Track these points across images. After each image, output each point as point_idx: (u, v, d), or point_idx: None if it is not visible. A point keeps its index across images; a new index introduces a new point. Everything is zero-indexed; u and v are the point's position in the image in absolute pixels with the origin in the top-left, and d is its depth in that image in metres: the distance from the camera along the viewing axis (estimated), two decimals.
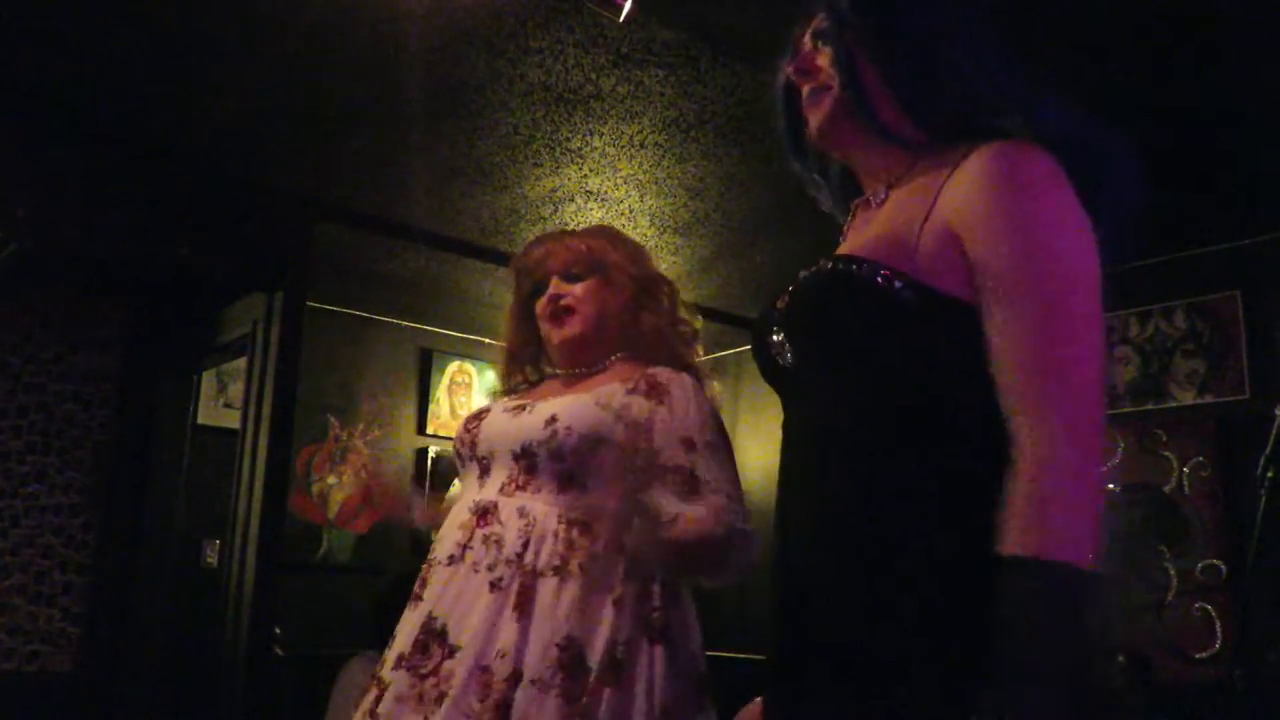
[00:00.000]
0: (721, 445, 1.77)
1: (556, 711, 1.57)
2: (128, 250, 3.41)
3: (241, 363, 3.62)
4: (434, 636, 1.66)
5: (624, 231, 2.10)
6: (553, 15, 2.50)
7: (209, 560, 4.03)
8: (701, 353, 1.97)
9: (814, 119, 1.30)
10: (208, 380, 4.22)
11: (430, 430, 4.61)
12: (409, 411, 4.62)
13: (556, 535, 1.69)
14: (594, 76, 2.77)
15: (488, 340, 4.61)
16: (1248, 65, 2.59)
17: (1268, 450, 2.39)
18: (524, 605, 1.64)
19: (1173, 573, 3.56)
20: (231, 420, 3.81)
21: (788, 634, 1.19)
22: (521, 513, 1.71)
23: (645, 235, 3.82)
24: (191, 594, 3.89)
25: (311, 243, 3.60)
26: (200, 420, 4.12)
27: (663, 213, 3.65)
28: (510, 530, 1.70)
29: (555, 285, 1.89)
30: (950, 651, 1.04)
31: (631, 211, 3.63)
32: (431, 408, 4.63)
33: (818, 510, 1.18)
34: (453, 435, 1.93)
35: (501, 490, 1.76)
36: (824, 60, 1.29)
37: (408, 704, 1.61)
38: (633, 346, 1.89)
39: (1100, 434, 1.04)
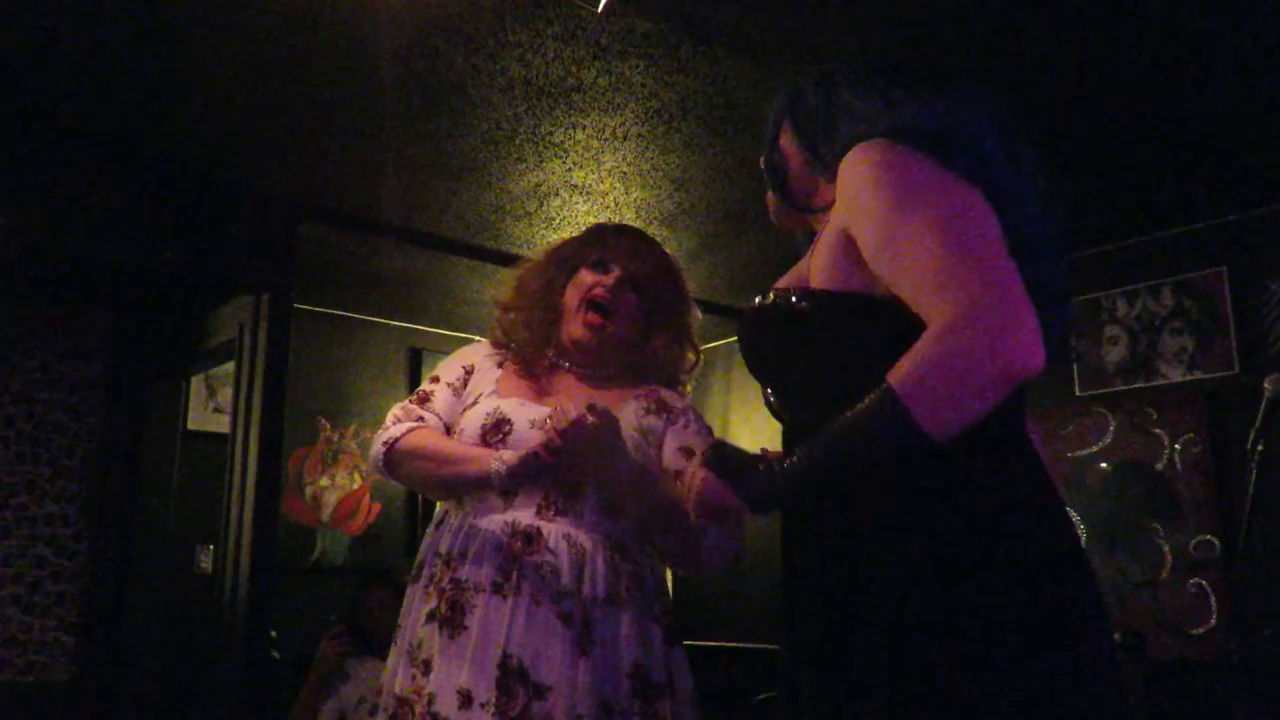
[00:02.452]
0: None
1: None
2: (111, 256, 3.39)
3: (230, 367, 3.61)
4: (514, 676, 1.60)
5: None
6: (531, 8, 2.49)
7: (203, 566, 4.02)
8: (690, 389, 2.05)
9: (770, 210, 1.52)
10: (196, 385, 4.20)
11: None
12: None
13: (605, 562, 1.72)
14: (574, 69, 2.76)
15: (477, 338, 4.59)
16: (1231, 41, 2.59)
17: (1257, 424, 2.40)
18: (590, 638, 1.65)
19: (1166, 549, 3.57)
20: (222, 425, 3.80)
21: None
22: (570, 540, 1.70)
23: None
24: (186, 600, 3.89)
25: (296, 244, 3.58)
26: (190, 426, 4.11)
27: (648, 205, 3.64)
28: (563, 560, 1.68)
29: (617, 280, 1.86)
30: (899, 599, 1.10)
31: (617, 204, 3.62)
32: None
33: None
34: None
35: (539, 514, 1.71)
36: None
37: None
38: (640, 374, 1.94)
39: (1020, 333, 1.04)
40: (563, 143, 3.18)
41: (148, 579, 3.86)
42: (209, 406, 4.22)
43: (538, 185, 3.48)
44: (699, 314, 2.01)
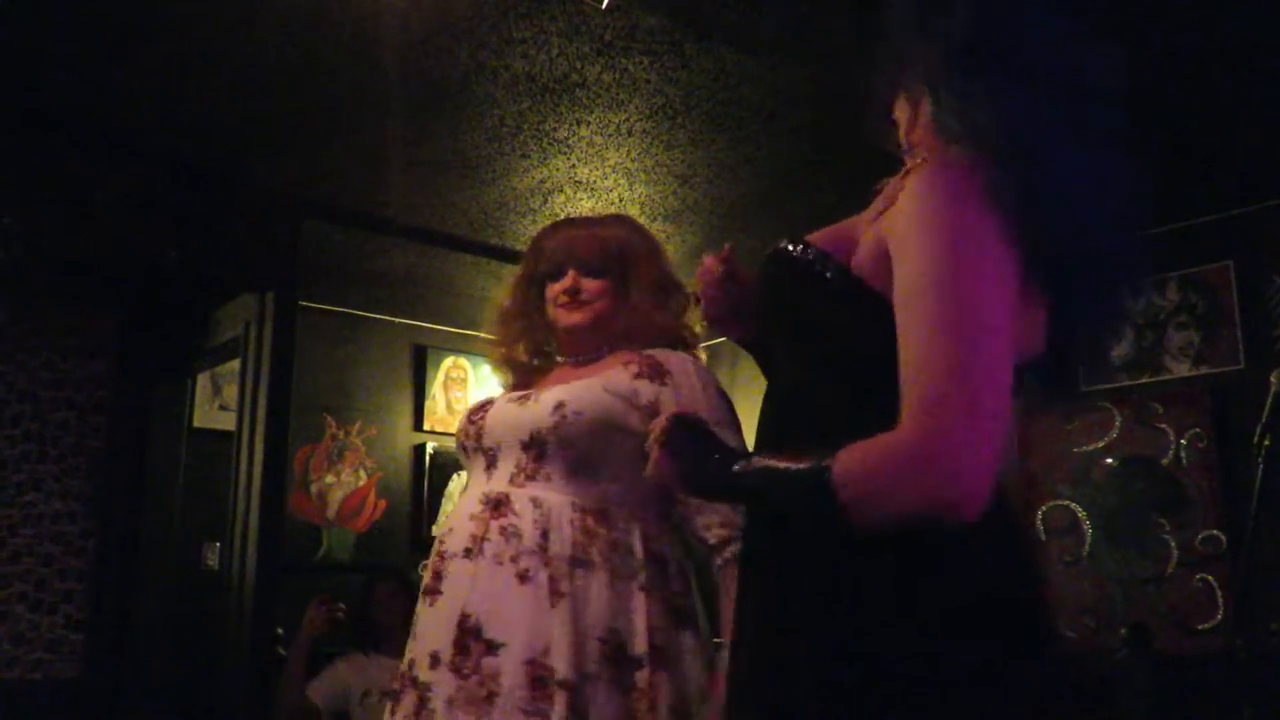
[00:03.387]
0: (731, 420, 1.77)
1: (615, 704, 1.58)
2: (117, 254, 3.39)
3: (236, 364, 3.61)
4: (470, 634, 1.64)
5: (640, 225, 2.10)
6: (535, 5, 2.49)
7: (209, 563, 4.02)
8: (704, 356, 1.96)
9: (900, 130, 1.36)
10: (202, 383, 4.20)
11: (427, 426, 4.60)
12: (405, 408, 4.62)
13: (572, 524, 1.69)
14: (578, 65, 2.76)
15: (482, 335, 4.59)
16: (1237, 34, 2.58)
17: (1264, 418, 2.40)
18: (556, 596, 1.63)
19: (1173, 545, 3.56)
20: (227, 422, 3.80)
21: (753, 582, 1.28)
22: (535, 503, 1.71)
23: None
24: (193, 597, 3.89)
25: (301, 242, 3.59)
26: (196, 423, 4.10)
27: (652, 201, 3.64)
28: (526, 520, 1.69)
29: (573, 278, 1.88)
30: (903, 587, 1.09)
31: (621, 200, 3.62)
32: (427, 404, 4.62)
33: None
34: (450, 431, 1.93)
35: (511, 481, 1.75)
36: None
37: (459, 705, 1.60)
38: (633, 339, 1.87)
39: (966, 470, 1.02)
40: (567, 139, 3.18)
41: (154, 576, 3.86)
42: (214, 404, 4.22)
43: (542, 182, 3.48)
44: (666, 265, 1.94)
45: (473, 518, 1.72)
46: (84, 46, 2.64)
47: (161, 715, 3.75)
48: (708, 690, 1.65)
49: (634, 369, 1.78)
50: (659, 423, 1.29)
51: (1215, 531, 3.47)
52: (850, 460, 1.06)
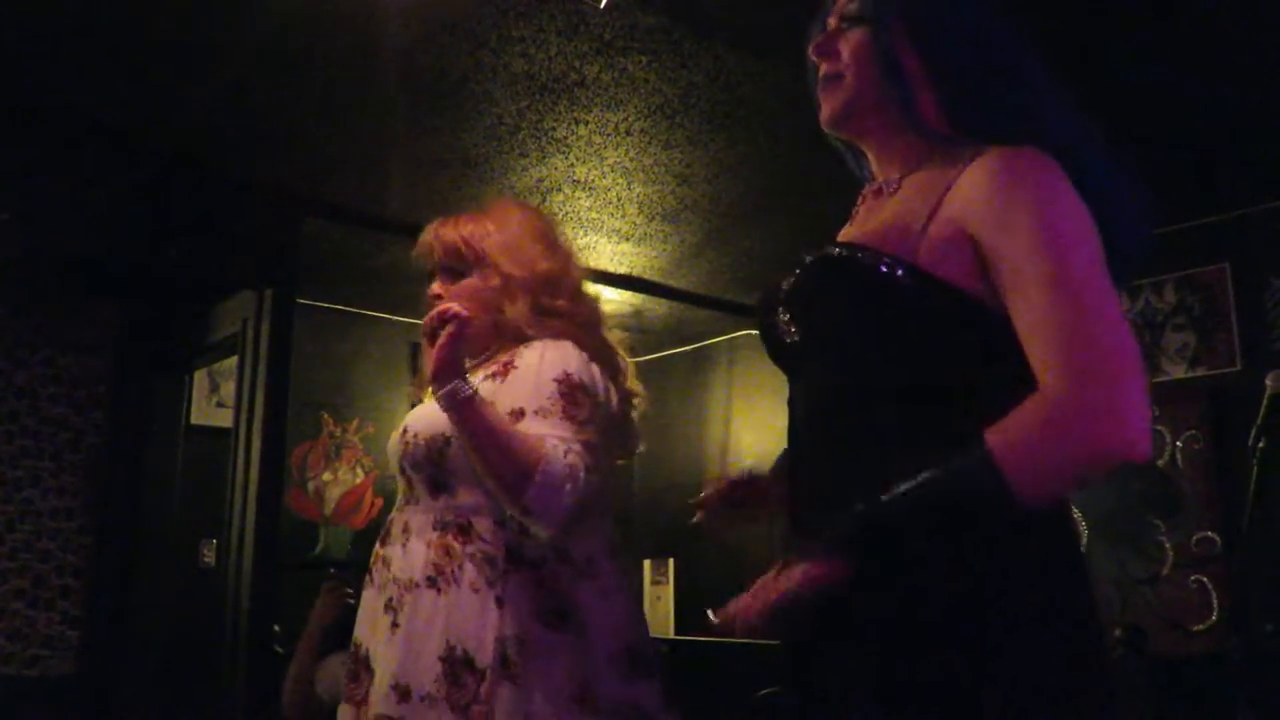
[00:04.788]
0: (558, 408, 1.65)
1: None
2: (115, 251, 3.39)
3: (233, 361, 3.61)
4: (360, 663, 1.70)
5: (529, 207, 2.04)
6: (534, 4, 2.49)
7: (206, 560, 4.03)
8: (616, 335, 1.86)
9: (826, 105, 1.33)
10: (199, 380, 4.21)
11: None
12: (403, 406, 4.61)
13: (430, 544, 1.67)
14: (577, 64, 2.76)
15: None
16: (1233, 36, 2.59)
17: (1259, 420, 2.40)
18: (395, 626, 1.64)
19: (1168, 546, 3.57)
20: (225, 419, 3.80)
21: None
22: (405, 528, 1.72)
23: (634, 223, 3.82)
24: (190, 594, 3.89)
25: (300, 239, 3.58)
26: (193, 420, 4.11)
27: (650, 200, 3.64)
28: (395, 548, 1.71)
29: (437, 284, 1.87)
30: (959, 603, 1.08)
31: (619, 199, 3.63)
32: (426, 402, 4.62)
33: (827, 481, 1.22)
34: None
35: (399, 507, 1.78)
36: (845, 46, 1.30)
37: None
38: (507, 334, 1.80)
39: (1127, 425, 1.05)
40: (565, 138, 3.18)
41: (151, 573, 3.87)
42: (212, 401, 4.22)
43: (540, 180, 3.48)
44: (531, 254, 1.83)
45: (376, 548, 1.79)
46: (83, 41, 2.64)
47: (157, 712, 3.75)
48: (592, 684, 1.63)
49: (491, 368, 1.74)
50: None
51: (1210, 533, 3.48)
52: (1006, 437, 1.05)
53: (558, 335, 1.75)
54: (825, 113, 1.33)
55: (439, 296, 1.85)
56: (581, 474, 1.60)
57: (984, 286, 1.14)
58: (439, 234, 1.90)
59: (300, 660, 3.18)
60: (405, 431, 1.75)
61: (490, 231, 1.87)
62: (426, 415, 1.74)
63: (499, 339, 1.82)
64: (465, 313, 1.63)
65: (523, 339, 1.76)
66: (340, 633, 3.25)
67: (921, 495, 1.07)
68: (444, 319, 1.62)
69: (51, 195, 3.13)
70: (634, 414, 1.86)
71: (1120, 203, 1.22)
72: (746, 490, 1.55)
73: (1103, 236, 1.15)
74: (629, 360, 1.87)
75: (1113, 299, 1.10)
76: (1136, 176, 1.24)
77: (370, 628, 1.71)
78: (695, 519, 1.61)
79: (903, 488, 1.08)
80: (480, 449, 1.59)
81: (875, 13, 1.28)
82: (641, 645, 1.73)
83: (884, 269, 1.16)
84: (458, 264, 1.86)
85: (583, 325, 1.80)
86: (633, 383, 1.86)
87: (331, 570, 3.34)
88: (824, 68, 1.33)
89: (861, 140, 1.35)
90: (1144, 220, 1.25)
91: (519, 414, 1.65)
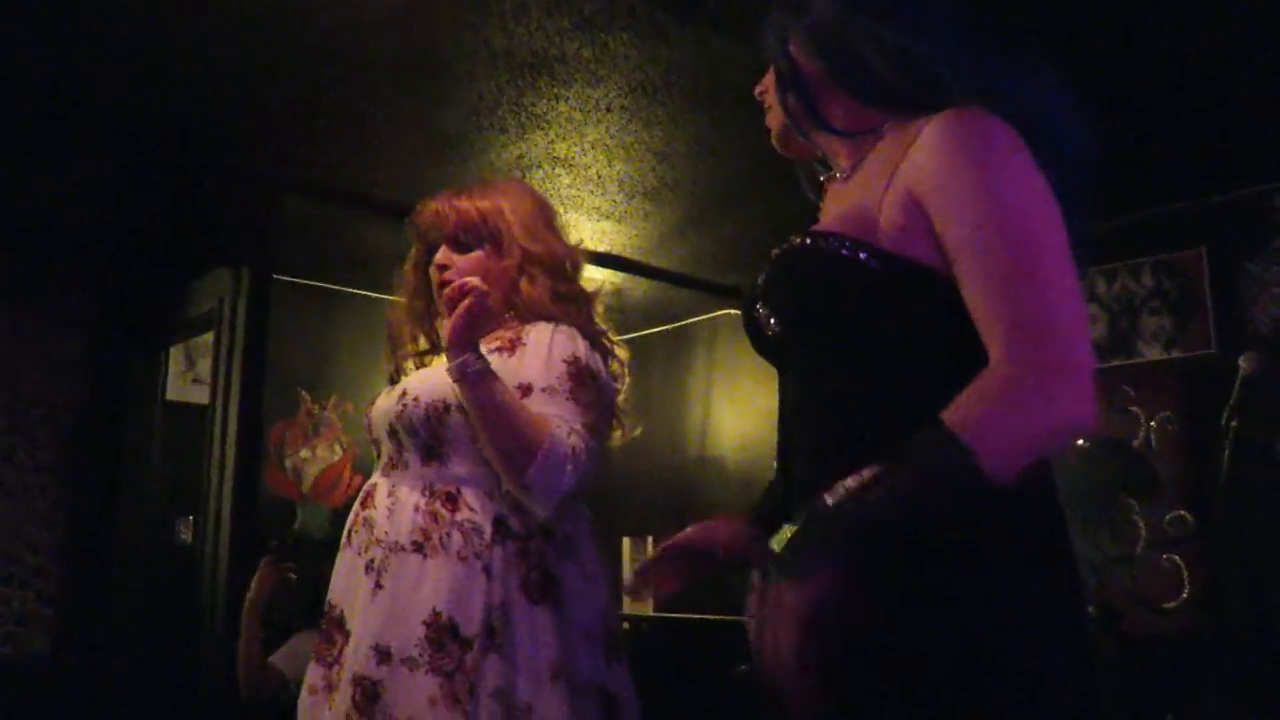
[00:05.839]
0: (565, 389, 1.68)
1: (430, 688, 1.55)
2: (90, 226, 3.36)
3: (209, 337, 3.59)
4: (334, 624, 1.70)
5: (534, 189, 2.04)
6: None
7: (183, 537, 4.01)
8: (601, 316, 1.89)
9: (772, 132, 1.41)
10: (176, 356, 4.18)
11: None
12: (380, 384, 4.59)
13: (417, 509, 1.67)
14: (558, 40, 2.74)
15: None
16: (1212, 20, 2.60)
17: (1232, 401, 2.43)
18: (378, 588, 1.64)
19: (1141, 525, 3.61)
20: (201, 396, 3.78)
21: None
22: (390, 492, 1.73)
23: (615, 201, 3.81)
24: (166, 571, 3.88)
25: (277, 216, 3.56)
26: (170, 396, 4.08)
27: (631, 178, 3.63)
28: (380, 511, 1.71)
29: (444, 254, 1.85)
30: (941, 577, 1.09)
31: (600, 177, 3.61)
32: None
33: (817, 472, 1.20)
34: None
35: (383, 471, 1.78)
36: (769, 79, 1.39)
37: (319, 695, 1.67)
38: (519, 312, 1.82)
39: (1079, 391, 1.06)
40: (545, 115, 3.16)
41: (127, 551, 3.85)
42: (188, 377, 4.19)
43: (519, 158, 3.46)
44: (539, 232, 1.86)
45: (354, 510, 1.79)
46: (61, 17, 2.60)
47: (134, 690, 3.74)
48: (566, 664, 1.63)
49: (496, 343, 1.74)
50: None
51: (1183, 513, 3.52)
52: (964, 415, 1.05)
53: (570, 319, 1.79)
54: (772, 139, 1.42)
55: (446, 266, 1.85)
56: (583, 456, 1.63)
57: (938, 252, 1.16)
58: (455, 205, 1.88)
59: (247, 637, 3.15)
60: (404, 394, 1.75)
61: (505, 209, 1.87)
62: (429, 380, 1.74)
63: (509, 315, 1.83)
64: (485, 287, 1.63)
65: (538, 317, 1.78)
66: (279, 608, 3.25)
67: (894, 487, 1.05)
68: (464, 292, 1.63)
69: (28, 171, 3.09)
70: (619, 398, 1.87)
71: (1077, 158, 1.24)
72: (682, 554, 1.55)
73: (1060, 194, 1.15)
74: (624, 349, 1.91)
75: (1064, 278, 1.10)
76: (1089, 125, 1.27)
77: (348, 589, 1.71)
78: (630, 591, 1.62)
79: (875, 483, 1.06)
80: (487, 422, 1.60)
81: (773, 35, 1.35)
82: (617, 629, 1.77)
83: (845, 253, 1.18)
84: (470, 237, 1.85)
85: (587, 312, 1.85)
86: (621, 368, 1.89)
87: (273, 543, 3.30)
88: (764, 100, 1.42)
89: (815, 149, 1.40)
90: (1093, 164, 1.28)
91: (526, 389, 1.67)
